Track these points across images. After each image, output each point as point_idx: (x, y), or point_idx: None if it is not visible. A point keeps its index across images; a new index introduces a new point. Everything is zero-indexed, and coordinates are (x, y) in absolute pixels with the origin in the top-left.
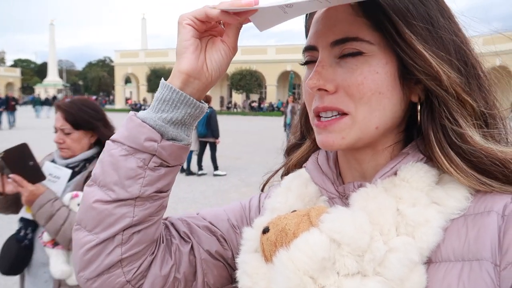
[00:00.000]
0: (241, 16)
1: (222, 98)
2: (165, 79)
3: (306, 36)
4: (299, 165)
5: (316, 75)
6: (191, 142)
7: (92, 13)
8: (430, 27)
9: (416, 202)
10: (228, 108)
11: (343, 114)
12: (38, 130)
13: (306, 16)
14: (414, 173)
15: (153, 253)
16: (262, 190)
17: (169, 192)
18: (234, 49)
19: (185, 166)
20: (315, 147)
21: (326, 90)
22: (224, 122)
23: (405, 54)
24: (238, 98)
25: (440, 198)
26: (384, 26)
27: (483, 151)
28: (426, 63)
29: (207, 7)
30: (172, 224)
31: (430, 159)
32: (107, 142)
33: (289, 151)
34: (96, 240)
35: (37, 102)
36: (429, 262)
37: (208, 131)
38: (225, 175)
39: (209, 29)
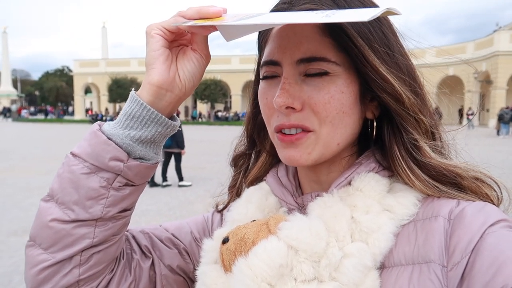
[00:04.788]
0: (209, 30)
1: (186, 108)
2: (127, 89)
3: (259, 48)
4: (255, 181)
5: (284, 93)
6: (160, 160)
7: (49, 21)
8: (389, 51)
9: (369, 209)
10: (193, 118)
11: (308, 130)
12: None
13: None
14: (367, 183)
15: (112, 270)
16: (218, 211)
17: (133, 210)
18: (207, 57)
19: None
20: (271, 160)
21: (293, 108)
22: (189, 132)
23: (370, 77)
24: (203, 108)
25: (391, 206)
26: (349, 48)
27: (437, 163)
28: (390, 86)
29: (177, 17)
30: (134, 237)
31: (384, 169)
32: (67, 155)
33: (236, 160)
34: (51, 260)
35: None
36: (382, 267)
37: (173, 142)
38: (190, 185)
39: (178, 38)
